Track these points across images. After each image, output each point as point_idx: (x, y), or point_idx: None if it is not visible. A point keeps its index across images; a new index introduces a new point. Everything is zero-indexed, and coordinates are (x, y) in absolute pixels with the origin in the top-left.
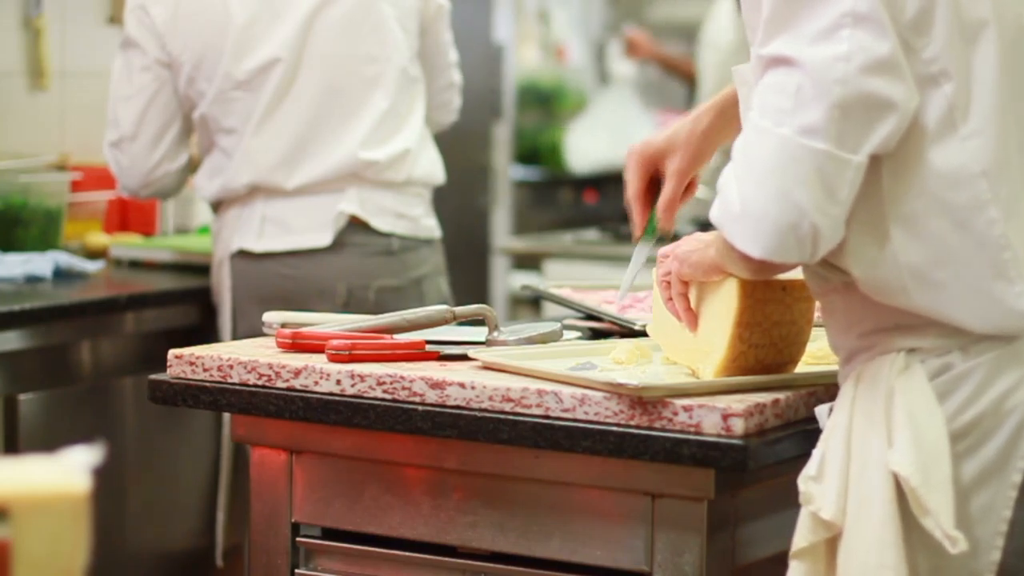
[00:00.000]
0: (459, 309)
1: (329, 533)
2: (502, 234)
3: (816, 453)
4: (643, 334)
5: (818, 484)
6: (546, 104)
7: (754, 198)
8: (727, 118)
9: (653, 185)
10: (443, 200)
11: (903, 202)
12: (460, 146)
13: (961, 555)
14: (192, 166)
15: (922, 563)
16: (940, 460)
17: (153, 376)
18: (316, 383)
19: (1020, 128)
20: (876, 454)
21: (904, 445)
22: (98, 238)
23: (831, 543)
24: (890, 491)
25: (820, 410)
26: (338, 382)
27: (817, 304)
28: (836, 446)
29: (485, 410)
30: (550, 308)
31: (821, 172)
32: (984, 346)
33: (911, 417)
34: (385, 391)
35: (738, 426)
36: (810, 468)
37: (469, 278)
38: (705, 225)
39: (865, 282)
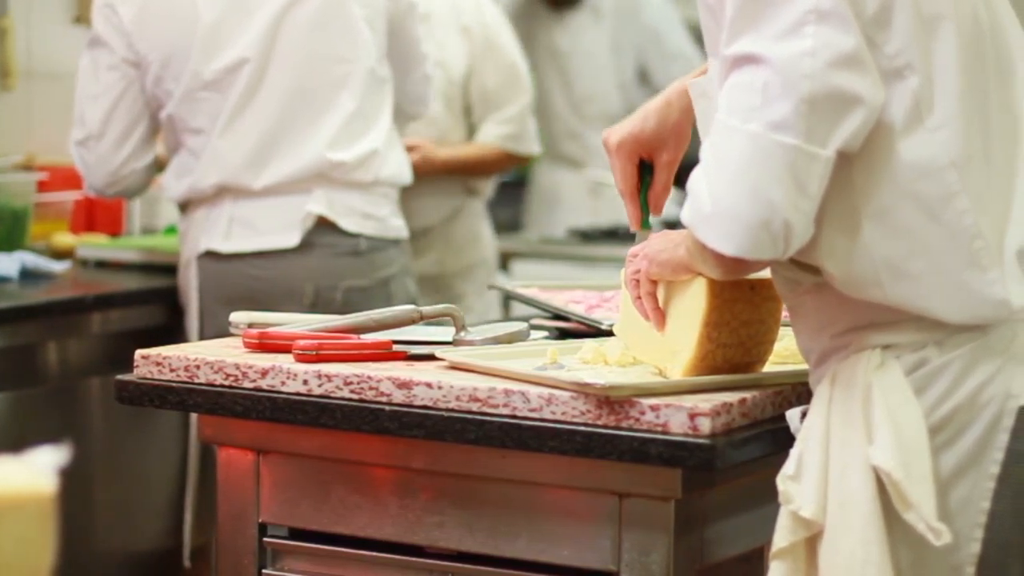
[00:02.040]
0: (426, 309)
1: (296, 533)
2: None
3: (794, 453)
4: (610, 334)
5: (797, 483)
6: None
7: (726, 196)
8: None
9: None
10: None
11: (875, 196)
12: None
13: (942, 548)
14: (159, 166)
15: (904, 557)
16: (920, 454)
17: (120, 376)
18: (283, 383)
19: (982, 121)
20: (856, 451)
21: (884, 440)
22: (64, 238)
23: (811, 542)
24: (872, 487)
25: (791, 414)
26: (305, 382)
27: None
28: (814, 445)
29: (452, 410)
30: (517, 308)
31: (791, 167)
32: (959, 340)
33: (889, 412)
34: (352, 391)
35: (705, 425)
36: (788, 468)
37: None
38: (674, 224)
39: (839, 278)
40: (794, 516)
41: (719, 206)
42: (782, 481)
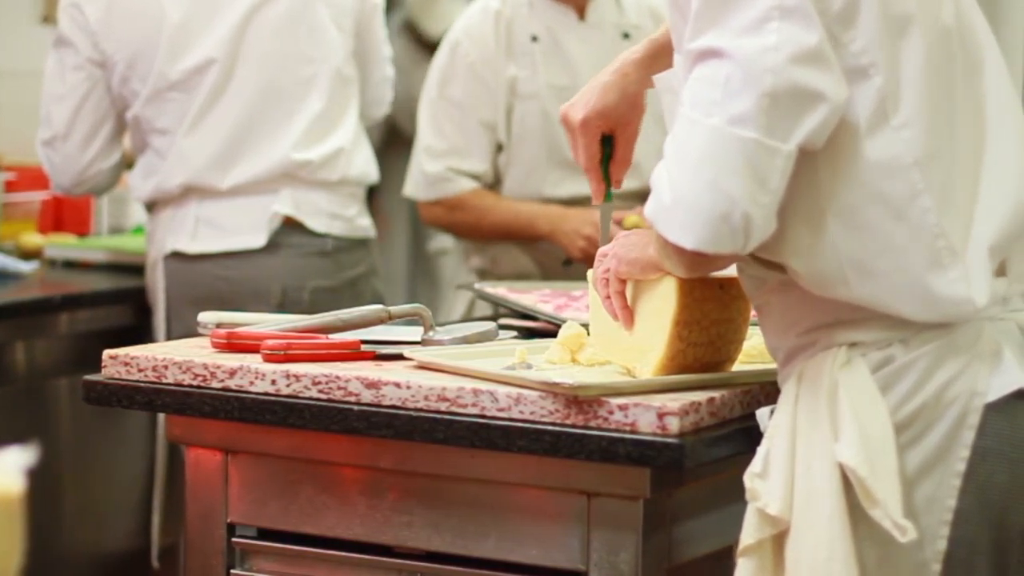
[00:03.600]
0: (394, 308)
1: (265, 533)
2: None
3: (761, 450)
4: None
5: (764, 480)
6: None
7: (686, 189)
8: (660, 64)
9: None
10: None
11: (840, 194)
12: (400, 146)
13: (908, 545)
14: (126, 164)
15: (870, 555)
16: (886, 451)
17: (88, 377)
18: (251, 383)
19: (948, 120)
20: (821, 448)
21: (850, 437)
22: (32, 238)
23: (778, 539)
24: (837, 484)
25: (761, 413)
26: (273, 382)
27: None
28: (781, 442)
29: (421, 410)
30: (486, 307)
31: (751, 161)
32: (925, 337)
33: (855, 410)
34: (320, 391)
35: (673, 425)
36: (755, 465)
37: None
38: None
39: (805, 276)
40: (761, 513)
41: (679, 199)
42: (749, 478)
